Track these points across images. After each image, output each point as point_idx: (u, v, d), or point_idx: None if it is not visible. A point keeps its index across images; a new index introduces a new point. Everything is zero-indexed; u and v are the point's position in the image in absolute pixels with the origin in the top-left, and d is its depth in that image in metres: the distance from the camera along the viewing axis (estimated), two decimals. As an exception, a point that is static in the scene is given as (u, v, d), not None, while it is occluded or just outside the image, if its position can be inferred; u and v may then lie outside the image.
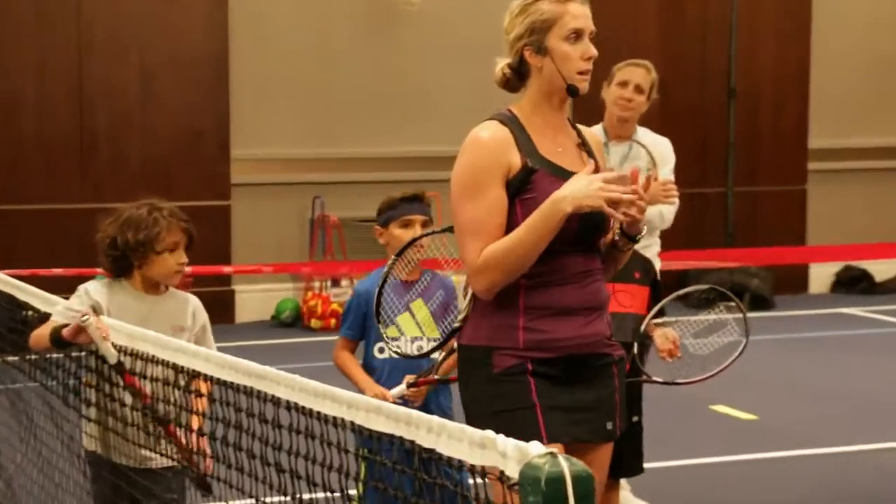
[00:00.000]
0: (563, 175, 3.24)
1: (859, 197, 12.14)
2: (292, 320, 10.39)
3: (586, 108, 5.44)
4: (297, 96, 10.71)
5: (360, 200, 10.75)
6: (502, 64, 3.41)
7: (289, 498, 2.64)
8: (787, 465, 6.26)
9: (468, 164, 3.28)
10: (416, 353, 4.38)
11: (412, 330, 4.42)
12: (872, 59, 12.10)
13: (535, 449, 1.83)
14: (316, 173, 10.71)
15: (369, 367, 4.42)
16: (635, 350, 4.48)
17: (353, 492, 2.97)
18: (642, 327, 4.65)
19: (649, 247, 5.23)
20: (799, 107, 11.86)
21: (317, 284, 10.45)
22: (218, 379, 2.92)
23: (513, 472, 1.88)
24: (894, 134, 12.24)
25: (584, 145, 3.40)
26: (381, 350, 4.40)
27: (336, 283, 10.47)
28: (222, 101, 10.48)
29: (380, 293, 3.93)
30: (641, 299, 4.77)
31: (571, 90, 3.29)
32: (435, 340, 4.38)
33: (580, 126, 3.48)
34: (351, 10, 10.78)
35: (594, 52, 3.30)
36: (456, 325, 3.33)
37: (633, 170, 3.28)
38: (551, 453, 1.79)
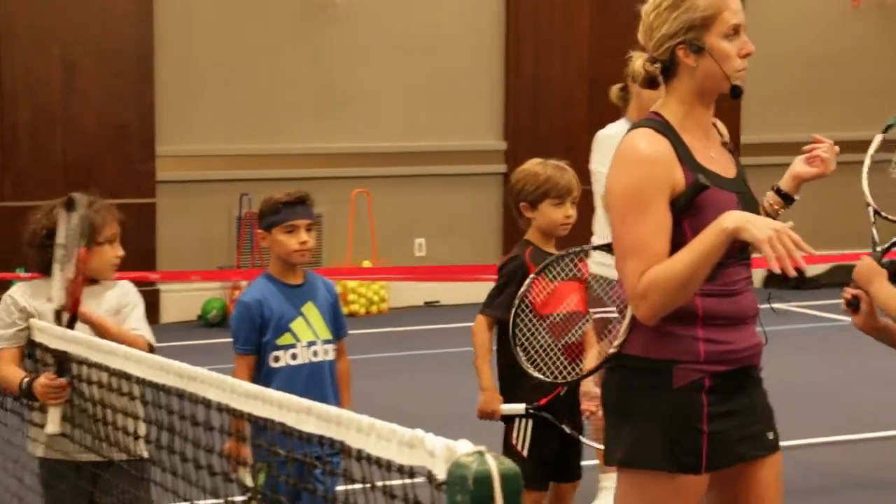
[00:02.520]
0: (726, 185, 3.10)
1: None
2: (219, 320, 10.26)
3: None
4: (224, 91, 10.59)
5: (288, 197, 10.66)
6: (642, 60, 3.20)
7: (221, 501, 2.60)
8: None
9: (632, 181, 3.01)
10: (312, 357, 4.29)
11: (306, 335, 4.30)
12: (803, 55, 12.24)
13: (463, 447, 1.80)
14: (243, 170, 10.60)
15: (265, 378, 4.20)
16: None
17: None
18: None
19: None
20: (731, 102, 11.91)
21: (244, 283, 10.32)
22: (149, 381, 2.87)
23: (440, 471, 1.87)
24: (825, 128, 12.33)
25: (726, 144, 3.27)
26: (277, 359, 4.27)
27: (264, 280, 10.34)
28: (147, 96, 10.33)
29: (516, 314, 3.68)
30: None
31: (736, 91, 3.13)
32: (328, 342, 4.33)
33: (715, 120, 3.30)
34: (279, 5, 10.68)
35: (752, 47, 3.11)
36: (612, 350, 3.09)
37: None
38: (479, 452, 1.76)
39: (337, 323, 4.40)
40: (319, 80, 10.80)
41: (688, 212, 3.01)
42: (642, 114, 5.44)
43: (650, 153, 3.03)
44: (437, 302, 10.98)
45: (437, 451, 1.89)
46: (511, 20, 11.24)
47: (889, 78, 12.50)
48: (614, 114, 5.71)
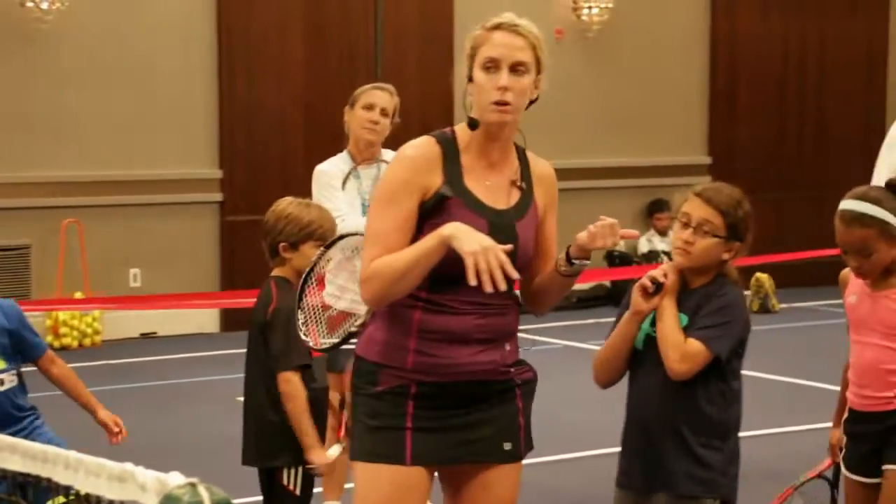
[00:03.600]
0: (480, 210, 3.25)
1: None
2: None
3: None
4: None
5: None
6: None
7: None
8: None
9: (388, 177, 3.29)
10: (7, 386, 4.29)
11: None
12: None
13: (175, 479, 1.77)
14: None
15: None
16: None
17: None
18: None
19: None
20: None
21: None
22: None
23: (153, 504, 1.81)
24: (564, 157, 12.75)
25: (518, 183, 3.33)
26: None
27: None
28: None
29: (305, 280, 3.90)
30: None
31: (471, 122, 3.27)
32: (5, 371, 4.30)
33: (534, 158, 3.41)
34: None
35: (504, 81, 3.20)
36: (353, 329, 3.38)
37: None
38: (191, 483, 1.73)
39: (21, 348, 4.36)
40: (26, 104, 10.39)
41: (432, 218, 3.20)
42: (357, 147, 5.61)
43: (411, 154, 3.26)
44: (154, 333, 10.72)
45: (149, 485, 1.87)
46: (223, 47, 11.13)
47: (595, 109, 13.00)
48: (331, 140, 5.76)
